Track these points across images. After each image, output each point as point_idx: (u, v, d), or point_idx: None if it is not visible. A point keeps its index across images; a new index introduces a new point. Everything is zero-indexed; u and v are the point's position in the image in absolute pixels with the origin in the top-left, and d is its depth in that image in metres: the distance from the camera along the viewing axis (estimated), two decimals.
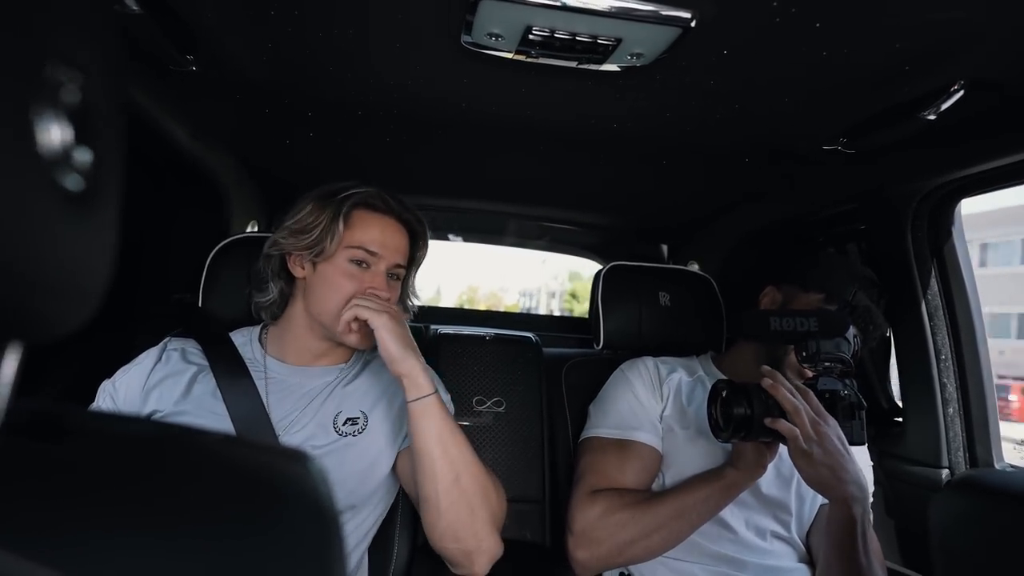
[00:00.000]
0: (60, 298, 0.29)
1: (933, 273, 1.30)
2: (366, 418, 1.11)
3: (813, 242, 1.69)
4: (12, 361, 0.30)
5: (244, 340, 1.16)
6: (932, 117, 0.98)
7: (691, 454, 1.21)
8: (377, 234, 1.10)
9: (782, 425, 0.99)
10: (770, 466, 1.10)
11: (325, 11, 0.86)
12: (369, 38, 0.92)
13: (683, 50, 0.86)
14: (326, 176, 1.19)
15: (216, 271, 1.31)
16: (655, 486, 1.23)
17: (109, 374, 1.11)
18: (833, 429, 1.01)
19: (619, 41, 0.84)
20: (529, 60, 0.91)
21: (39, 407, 0.34)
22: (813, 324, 1.07)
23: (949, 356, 1.30)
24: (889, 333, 1.45)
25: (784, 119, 1.09)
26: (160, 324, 1.24)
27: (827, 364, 1.08)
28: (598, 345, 1.51)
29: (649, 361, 1.35)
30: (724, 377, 1.18)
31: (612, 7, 0.77)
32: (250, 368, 1.09)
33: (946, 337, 1.30)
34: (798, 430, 0.99)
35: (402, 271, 1.15)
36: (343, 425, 1.09)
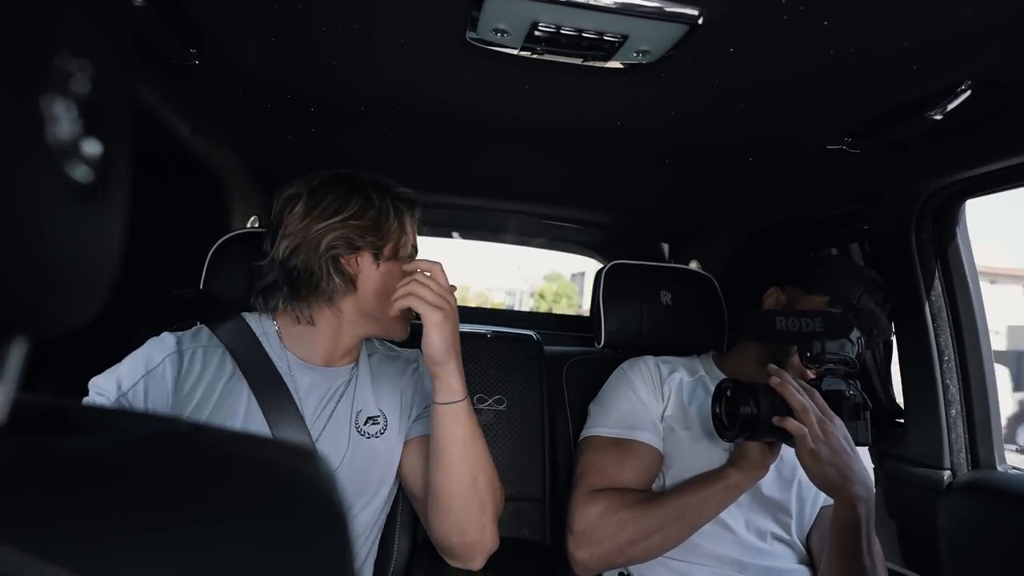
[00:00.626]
0: (67, 291, 0.29)
1: (937, 274, 1.30)
2: (385, 417, 1.11)
3: (816, 242, 1.69)
4: (18, 355, 0.30)
5: (258, 329, 1.09)
6: (938, 117, 0.97)
7: (692, 454, 1.21)
8: (412, 233, 1.14)
9: (790, 423, 0.99)
10: (771, 467, 1.10)
11: (330, 6, 0.86)
12: (373, 34, 0.92)
13: (689, 48, 0.85)
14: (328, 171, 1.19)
15: (216, 267, 1.30)
16: (655, 486, 1.23)
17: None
18: (839, 428, 1.01)
19: (625, 38, 0.84)
20: (534, 57, 0.91)
21: (43, 402, 0.34)
22: (818, 325, 1.07)
23: (952, 357, 1.30)
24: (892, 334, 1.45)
25: (789, 118, 1.09)
26: (161, 319, 1.24)
27: (831, 365, 1.08)
28: (599, 343, 1.50)
29: (650, 360, 1.35)
30: (726, 377, 1.18)
31: (619, 3, 0.76)
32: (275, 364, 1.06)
33: (949, 338, 1.30)
34: (806, 428, 0.98)
35: None
36: (365, 425, 1.08)
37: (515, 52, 0.90)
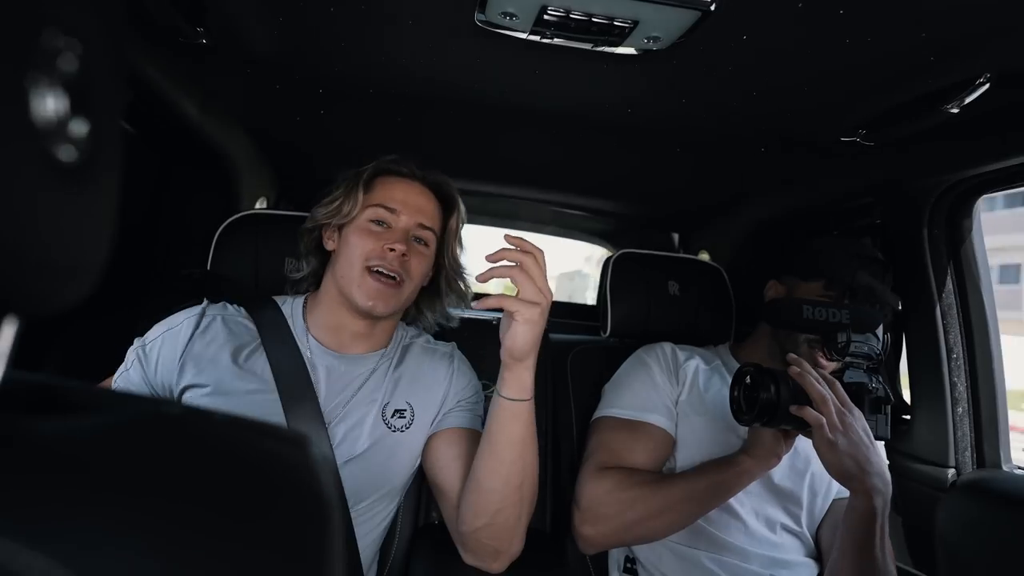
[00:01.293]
0: (55, 272, 0.28)
1: (949, 271, 1.28)
2: (412, 411, 1.09)
3: (827, 235, 1.67)
4: (7, 335, 0.30)
5: (287, 311, 1.11)
6: (955, 110, 0.95)
7: (705, 440, 1.21)
8: (397, 193, 1.09)
9: (808, 413, 0.99)
10: (784, 458, 1.10)
11: None
12: (381, 13, 0.91)
13: (701, 34, 0.84)
14: (336, 154, 1.19)
15: (223, 247, 1.31)
16: (664, 470, 1.23)
17: (116, 349, 1.08)
18: (859, 420, 1.01)
19: (636, 23, 0.82)
20: (543, 41, 0.90)
21: (35, 380, 0.34)
22: (845, 317, 1.07)
23: (960, 355, 1.28)
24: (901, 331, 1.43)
25: (802, 108, 1.07)
26: (170, 299, 1.24)
27: (854, 358, 1.08)
28: (605, 332, 1.50)
29: (667, 346, 1.35)
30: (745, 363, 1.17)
31: None
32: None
33: (958, 336, 1.29)
34: (824, 419, 0.98)
35: (429, 235, 1.10)
36: (392, 418, 1.07)
37: (524, 36, 0.89)
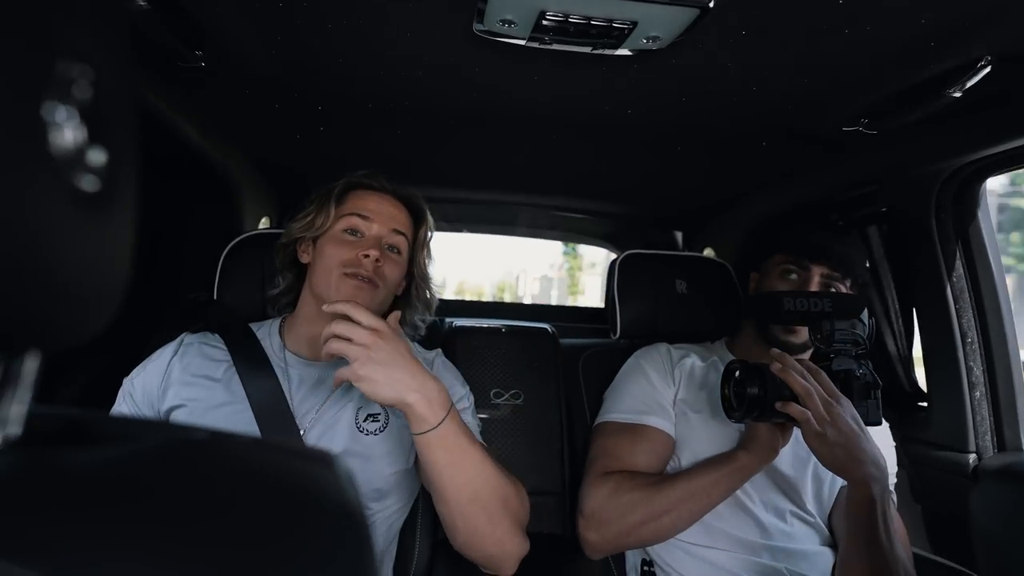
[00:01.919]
0: (78, 302, 0.28)
1: (958, 254, 1.28)
2: (387, 415, 1.09)
3: (832, 226, 1.67)
4: (31, 368, 0.30)
5: (264, 333, 1.15)
6: (957, 95, 0.95)
7: (705, 437, 1.21)
8: (370, 203, 1.13)
9: (793, 408, 0.99)
10: (787, 447, 1.10)
11: (334, 2, 0.85)
12: (380, 29, 0.91)
13: (700, 32, 0.84)
14: (338, 170, 1.19)
15: (230, 268, 1.31)
16: (670, 468, 1.23)
17: (126, 375, 1.10)
18: (847, 409, 1.00)
19: (635, 24, 0.82)
20: (543, 47, 0.89)
21: (59, 414, 0.34)
22: (827, 305, 1.07)
23: (975, 339, 1.28)
24: (913, 315, 1.43)
25: (803, 101, 1.07)
26: (176, 323, 1.24)
27: (841, 345, 1.07)
28: (615, 334, 1.49)
29: (662, 347, 1.36)
30: (735, 359, 1.17)
31: None
32: (271, 361, 1.09)
33: (972, 320, 1.28)
34: (809, 412, 0.98)
35: (401, 241, 1.14)
36: (364, 422, 1.07)
37: (523, 42, 0.89)
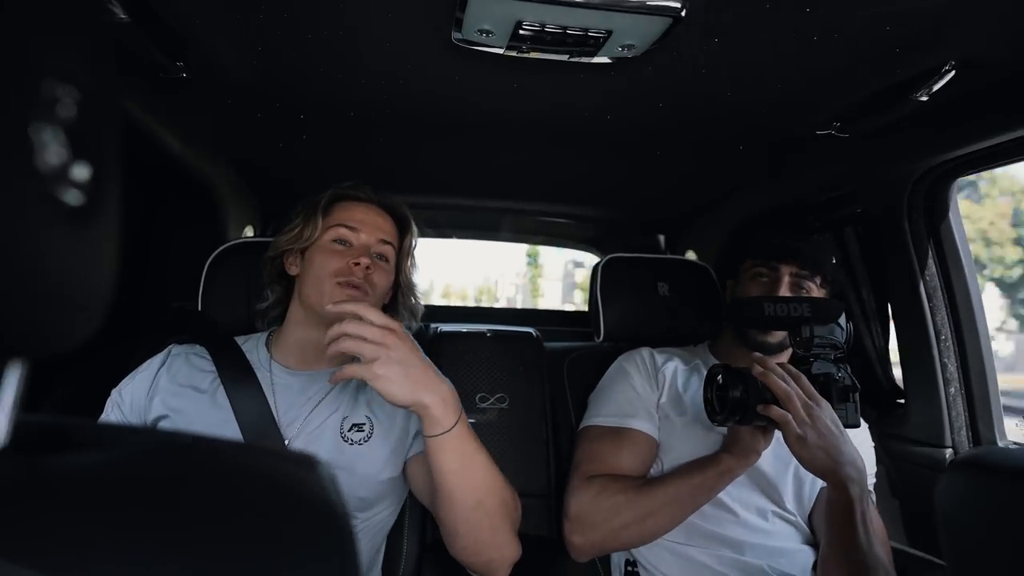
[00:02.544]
0: (63, 313, 0.29)
1: (930, 253, 1.31)
2: (372, 424, 1.09)
3: (810, 227, 1.70)
4: (16, 377, 0.31)
5: (251, 346, 1.16)
6: (924, 99, 0.98)
7: (687, 440, 1.23)
8: (356, 213, 1.14)
9: (774, 411, 1.01)
10: (769, 448, 1.11)
11: (314, 12, 0.86)
12: (359, 38, 0.92)
13: (674, 40, 0.86)
14: (320, 178, 1.20)
15: (214, 277, 1.31)
16: (653, 472, 1.25)
17: (113, 385, 1.11)
18: (826, 412, 1.02)
19: (610, 33, 0.84)
20: (520, 55, 0.91)
21: (46, 421, 0.34)
22: (806, 310, 1.08)
23: (949, 336, 1.31)
24: (888, 313, 1.46)
25: (777, 105, 1.09)
26: (161, 333, 1.24)
27: (820, 349, 1.09)
28: (598, 337, 1.51)
29: (645, 351, 1.37)
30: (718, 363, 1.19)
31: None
32: (257, 373, 1.09)
33: (945, 317, 1.31)
34: (790, 415, 1.00)
35: (389, 250, 1.15)
36: (349, 432, 1.07)
37: (501, 51, 0.91)
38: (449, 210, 2.06)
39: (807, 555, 1.20)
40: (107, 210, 0.30)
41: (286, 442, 1.04)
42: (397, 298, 1.22)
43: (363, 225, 1.13)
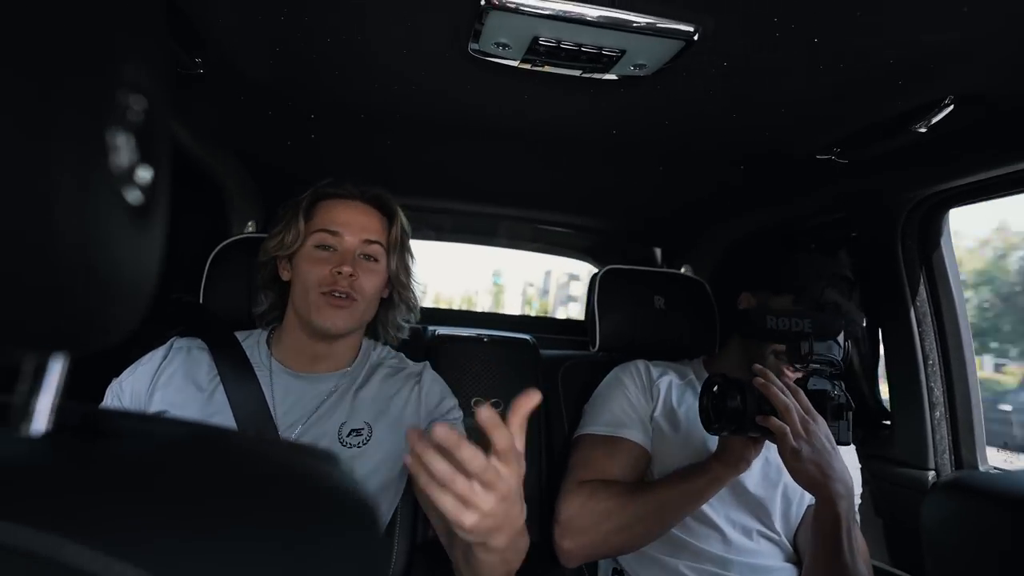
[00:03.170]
0: (112, 308, 0.31)
1: (922, 280, 1.33)
2: (370, 429, 1.10)
3: (804, 248, 1.72)
4: (60, 365, 0.32)
5: (251, 343, 1.16)
6: (923, 130, 1.01)
7: (679, 455, 1.24)
8: (338, 215, 1.13)
9: (772, 423, 1.03)
10: (757, 467, 1.13)
11: (334, 17, 0.87)
12: (376, 44, 0.93)
13: (685, 61, 0.88)
14: (326, 176, 1.21)
15: (217, 272, 1.32)
16: None
17: (115, 374, 1.10)
18: (822, 428, 1.04)
19: (623, 52, 0.86)
20: (534, 68, 0.93)
21: (83, 409, 0.36)
22: (807, 326, 1.10)
23: (936, 361, 1.33)
24: (879, 336, 1.48)
25: (780, 129, 1.12)
26: (161, 324, 1.25)
27: (818, 365, 1.11)
28: (594, 347, 1.53)
29: (641, 364, 1.39)
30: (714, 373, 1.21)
31: (618, 21, 0.79)
32: (256, 371, 1.09)
33: (934, 343, 1.34)
34: (788, 428, 1.02)
35: (376, 249, 1.13)
36: (347, 436, 1.08)
37: (515, 64, 0.92)
38: (450, 214, 2.07)
39: (789, 573, 1.22)
40: (160, 210, 0.31)
41: None
42: (392, 294, 1.21)
43: (346, 228, 1.11)
